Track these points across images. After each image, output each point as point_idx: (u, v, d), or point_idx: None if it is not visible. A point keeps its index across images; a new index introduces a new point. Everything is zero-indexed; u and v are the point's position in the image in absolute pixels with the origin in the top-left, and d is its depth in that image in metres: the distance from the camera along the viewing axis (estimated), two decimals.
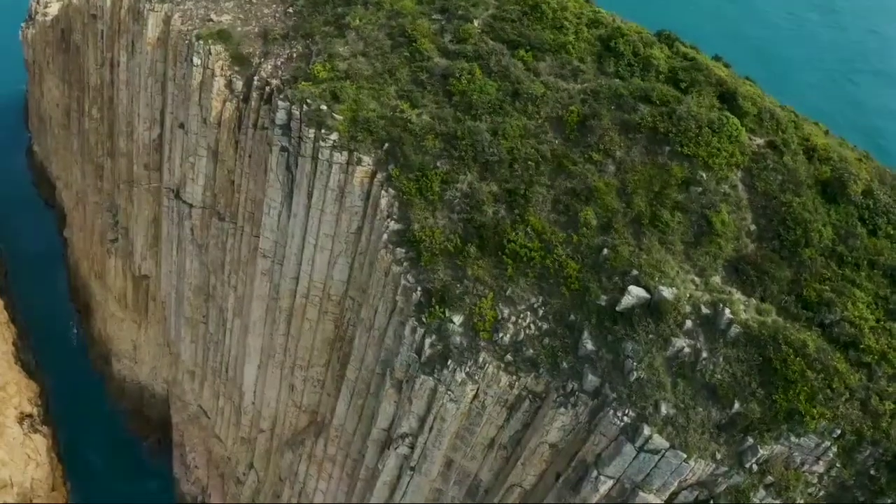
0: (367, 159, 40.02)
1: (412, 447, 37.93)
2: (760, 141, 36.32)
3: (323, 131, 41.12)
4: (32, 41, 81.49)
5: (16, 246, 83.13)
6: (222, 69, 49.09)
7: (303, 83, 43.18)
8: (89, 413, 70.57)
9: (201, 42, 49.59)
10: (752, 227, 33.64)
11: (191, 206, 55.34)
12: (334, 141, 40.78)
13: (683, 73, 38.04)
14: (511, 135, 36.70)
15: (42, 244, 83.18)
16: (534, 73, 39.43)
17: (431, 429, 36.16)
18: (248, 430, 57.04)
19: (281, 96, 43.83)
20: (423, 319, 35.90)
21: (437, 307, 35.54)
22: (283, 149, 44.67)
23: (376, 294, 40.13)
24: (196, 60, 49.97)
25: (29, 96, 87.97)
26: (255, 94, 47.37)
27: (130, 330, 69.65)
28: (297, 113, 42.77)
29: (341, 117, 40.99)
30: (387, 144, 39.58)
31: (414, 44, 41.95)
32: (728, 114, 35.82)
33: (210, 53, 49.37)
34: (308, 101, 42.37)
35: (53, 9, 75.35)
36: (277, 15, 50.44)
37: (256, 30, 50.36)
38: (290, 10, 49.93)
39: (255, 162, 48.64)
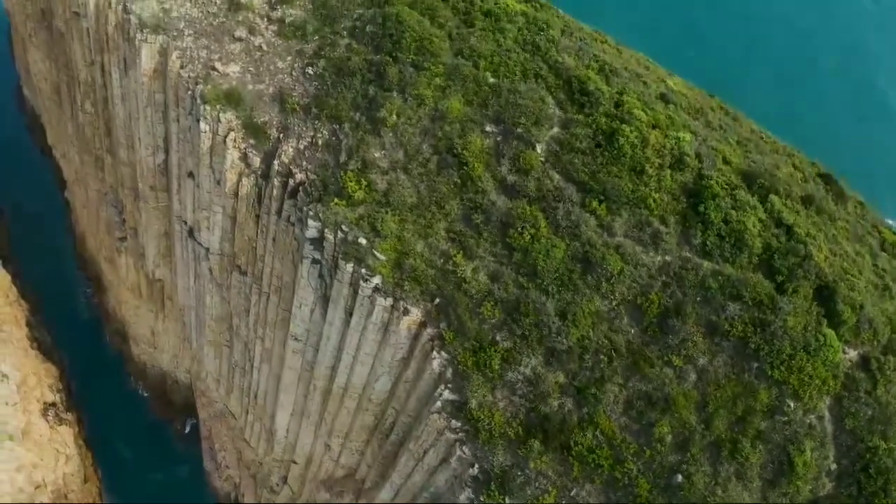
0: (415, 311, 37.22)
1: None
2: (853, 354, 33.67)
3: (364, 271, 37.86)
4: (9, 4, 71.86)
5: (15, 203, 79.30)
6: (235, 142, 44.31)
7: (335, 201, 39.13)
8: (112, 395, 71.23)
9: (208, 107, 44.25)
10: (833, 467, 32.22)
11: (207, 249, 52.23)
12: (377, 284, 37.67)
13: (780, 257, 34.24)
14: (582, 322, 33.74)
15: (42, 201, 79.58)
16: (608, 231, 35.28)
17: None
18: (281, 455, 57.84)
19: (311, 213, 39.82)
20: (482, 498, 35.26)
21: (496, 491, 34.83)
22: (315, 261, 41.40)
23: (427, 439, 39.06)
24: (203, 126, 45.20)
25: (13, 44, 78.79)
26: (276, 181, 43.28)
27: (147, 317, 68.44)
28: (332, 238, 39.23)
29: (384, 257, 37.59)
30: (438, 300, 36.58)
31: (465, 167, 37.18)
32: (825, 331, 32.73)
33: (219, 121, 44.23)
34: (343, 227, 38.62)
35: None
36: (294, 73, 44.56)
37: (271, 90, 44.85)
38: (310, 70, 44.00)
39: (280, 246, 45.36)
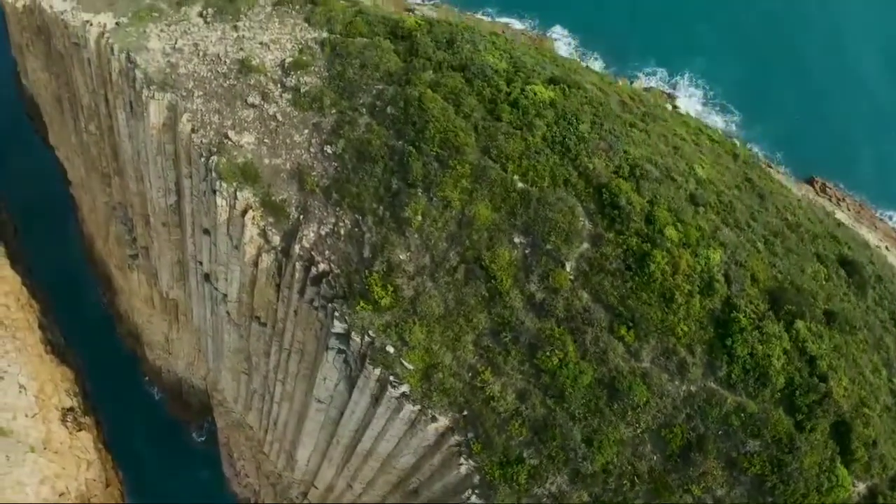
0: (442, 419, 37.99)
1: None
2: (862, 487, 34.79)
3: (391, 378, 38.34)
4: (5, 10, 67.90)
5: (18, 196, 78.12)
6: (254, 220, 43.75)
7: (362, 304, 39.03)
8: (127, 395, 72.41)
9: (224, 183, 43.48)
10: None
11: (224, 295, 52.25)
12: (405, 392, 38.24)
13: (801, 394, 34.85)
14: (607, 450, 34.65)
15: (47, 195, 78.03)
16: (635, 357, 35.64)
17: None
18: (301, 477, 59.71)
19: (337, 313, 39.78)
20: None
21: None
22: (340, 351, 41.73)
23: None
24: (220, 201, 44.75)
25: (11, 35, 74.98)
26: (297, 265, 42.87)
27: (161, 325, 68.96)
28: (358, 340, 39.44)
29: (412, 367, 37.99)
30: (466, 412, 37.26)
31: (493, 280, 36.96)
32: (839, 470, 33.73)
33: (236, 197, 43.56)
34: (370, 333, 38.78)
35: None
36: (312, 150, 43.51)
37: (288, 166, 43.96)
38: (329, 148, 42.92)
39: (302, 319, 45.54)
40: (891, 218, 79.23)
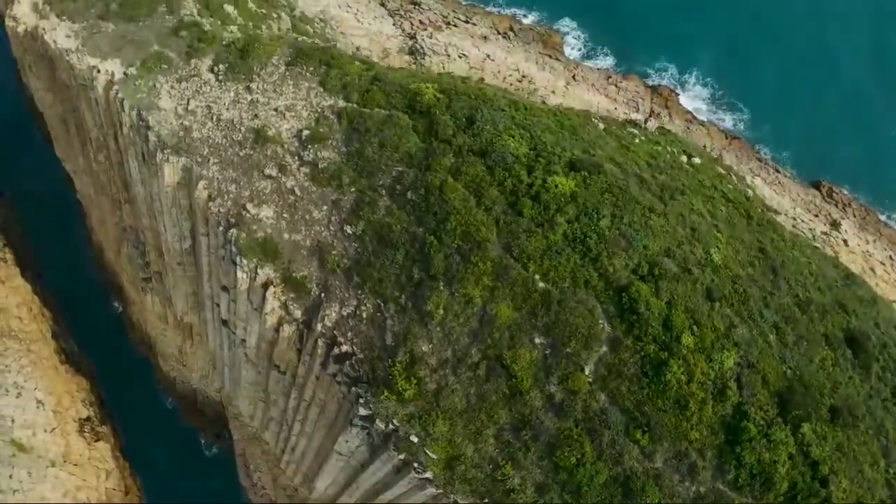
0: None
1: None
2: None
3: (415, 465, 39.70)
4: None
5: (24, 197, 77.88)
6: (275, 294, 44.29)
7: (386, 394, 40.05)
8: (142, 401, 73.89)
9: (245, 259, 43.91)
10: None
11: (243, 341, 53.08)
12: (429, 478, 39.68)
13: (803, 499, 36.96)
14: None
15: (51, 193, 77.45)
16: (648, 458, 37.20)
17: None
18: (320, 498, 61.76)
19: (361, 400, 40.83)
20: None
21: None
22: (364, 427, 42.93)
23: None
24: (241, 274, 45.32)
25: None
26: (320, 343, 43.70)
27: (175, 338, 69.93)
28: (382, 426, 40.61)
29: (435, 456, 39.32)
30: (487, 500, 38.78)
31: (514, 379, 38.03)
32: None
33: (257, 273, 44.05)
34: (394, 422, 39.96)
35: (22, 11, 60.08)
36: (332, 228, 43.72)
37: (308, 243, 44.28)
38: (349, 228, 43.15)
39: (323, 385, 46.41)
40: None
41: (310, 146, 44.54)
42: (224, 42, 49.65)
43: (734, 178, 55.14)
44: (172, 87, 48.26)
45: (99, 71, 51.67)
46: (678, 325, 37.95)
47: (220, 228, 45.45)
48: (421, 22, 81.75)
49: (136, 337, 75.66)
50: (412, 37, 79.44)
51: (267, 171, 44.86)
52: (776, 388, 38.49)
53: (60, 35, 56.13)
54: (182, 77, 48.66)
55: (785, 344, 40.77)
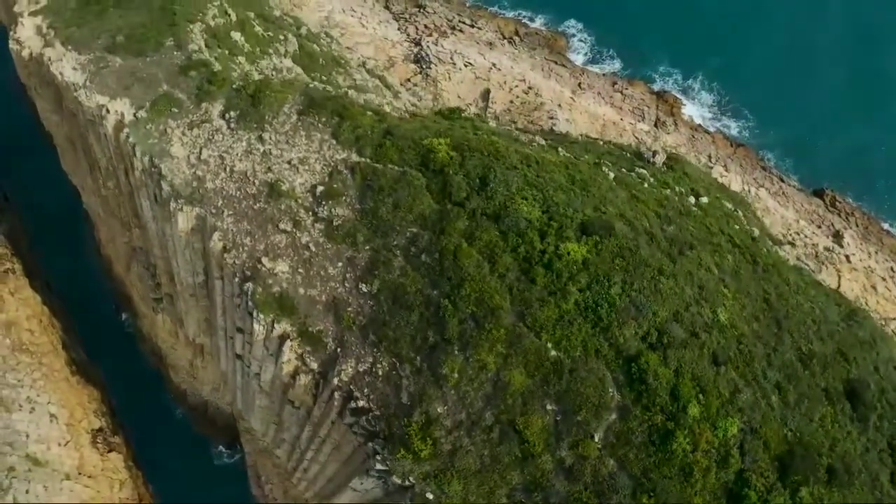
0: None
1: None
2: None
3: None
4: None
5: (29, 203, 78.04)
6: (292, 348, 45.18)
7: (402, 452, 41.25)
8: (153, 409, 75.17)
9: (262, 314, 44.70)
10: None
11: (258, 374, 54.07)
12: None
13: None
14: None
15: (56, 199, 77.31)
16: None
17: None
18: None
19: (378, 457, 42.02)
20: None
21: None
22: (380, 477, 44.22)
23: None
24: (257, 326, 46.05)
25: None
26: (337, 395, 44.65)
27: (186, 352, 70.87)
28: (399, 481, 41.89)
29: None
30: None
31: (526, 443, 39.26)
32: None
33: (274, 327, 44.89)
34: (410, 479, 41.26)
35: (26, 34, 59.56)
36: (348, 285, 44.46)
37: (324, 298, 45.09)
38: (364, 286, 43.86)
39: (339, 431, 47.47)
40: None
41: (324, 202, 44.96)
42: (234, 86, 49.58)
43: (740, 213, 55.58)
44: (184, 134, 48.39)
45: (108, 111, 51.69)
46: (685, 394, 39.18)
47: (236, 279, 46.10)
48: (426, 26, 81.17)
49: (146, 347, 76.64)
50: (417, 43, 78.96)
51: (282, 226, 45.36)
52: (777, 452, 39.99)
53: (67, 67, 55.99)
54: (193, 122, 48.75)
55: (787, 404, 42.03)
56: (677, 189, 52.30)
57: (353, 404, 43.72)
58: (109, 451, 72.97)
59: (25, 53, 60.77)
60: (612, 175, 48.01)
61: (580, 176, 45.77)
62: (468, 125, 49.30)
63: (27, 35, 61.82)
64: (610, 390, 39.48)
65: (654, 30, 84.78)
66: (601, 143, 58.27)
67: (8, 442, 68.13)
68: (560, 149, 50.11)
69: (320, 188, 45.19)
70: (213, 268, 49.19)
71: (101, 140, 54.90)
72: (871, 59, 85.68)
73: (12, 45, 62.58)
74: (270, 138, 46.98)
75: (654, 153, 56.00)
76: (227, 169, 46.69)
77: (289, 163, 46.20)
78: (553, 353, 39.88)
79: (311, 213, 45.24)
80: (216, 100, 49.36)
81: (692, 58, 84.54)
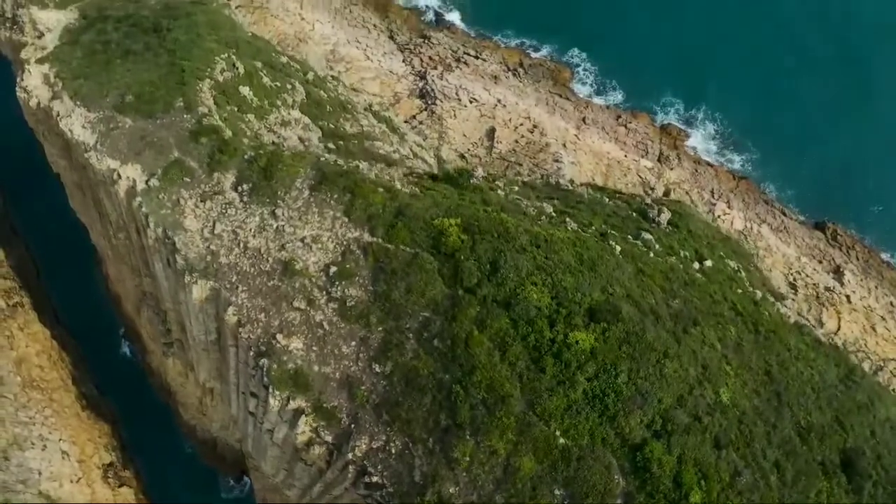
0: None
1: None
2: None
3: None
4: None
5: (37, 234, 78.53)
6: (307, 422, 46.31)
7: None
8: (163, 442, 76.35)
9: (277, 391, 45.74)
10: None
11: (271, 431, 55.14)
12: None
13: None
14: None
15: (63, 229, 77.65)
16: None
17: None
18: None
19: None
20: None
21: None
22: None
23: None
24: (272, 401, 46.99)
25: None
26: (350, 468, 45.78)
27: (195, 391, 71.87)
28: None
29: None
30: None
31: None
32: None
33: (288, 403, 46.00)
34: None
35: (33, 83, 59.84)
36: (361, 363, 45.48)
37: (338, 375, 46.14)
38: (377, 367, 44.92)
39: (351, 496, 48.70)
40: None
41: (337, 283, 45.79)
42: (246, 156, 50.15)
43: (743, 273, 56.57)
44: (197, 206, 49.05)
45: (119, 175, 52.25)
46: (687, 482, 40.48)
47: (251, 353, 47.08)
48: (430, 58, 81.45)
49: (155, 382, 77.71)
50: (422, 76, 79.30)
51: (296, 304, 46.21)
52: None
53: (76, 125, 56.43)
54: (206, 194, 49.39)
55: (784, 483, 43.38)
56: (682, 254, 53.22)
57: (366, 479, 44.90)
58: (120, 485, 74.48)
59: (33, 103, 61.19)
60: (618, 248, 48.89)
61: (588, 254, 46.65)
62: (477, 198, 49.96)
63: (34, 84, 62.14)
64: (616, 477, 40.76)
65: (657, 58, 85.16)
66: (607, 199, 58.95)
67: (21, 480, 69.54)
68: (568, 219, 50.85)
69: (333, 268, 46.03)
70: (227, 335, 50.10)
71: (113, 198, 55.51)
72: (876, 86, 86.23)
73: (20, 94, 62.96)
74: (283, 214, 47.67)
75: (659, 211, 56.79)
76: (241, 244, 47.45)
77: (302, 240, 46.95)
78: (561, 440, 41.08)
79: (324, 292, 46.09)
80: (228, 170, 49.97)
81: (694, 87, 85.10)
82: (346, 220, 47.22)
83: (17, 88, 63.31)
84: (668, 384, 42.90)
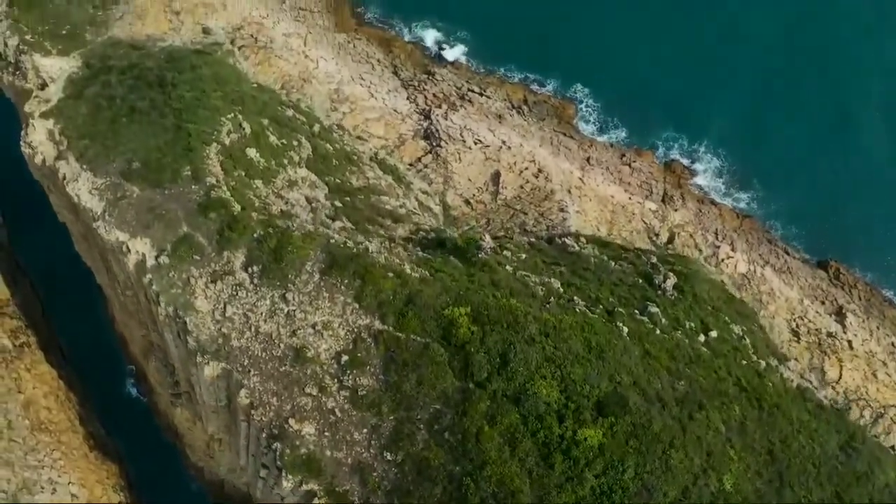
0: None
1: None
2: None
3: None
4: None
5: (41, 271, 79.17)
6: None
7: None
8: (170, 483, 77.21)
9: (290, 475, 46.50)
10: None
11: (282, 497, 55.87)
12: None
13: None
14: None
15: (70, 271, 77.72)
16: None
17: None
18: None
19: None
20: None
21: None
22: None
23: None
24: (286, 483, 47.68)
25: None
26: None
27: (202, 435, 72.52)
28: None
29: None
30: None
31: None
32: None
33: (301, 486, 46.76)
34: None
35: (38, 139, 59.76)
36: (372, 450, 46.30)
37: (349, 461, 46.96)
38: (389, 455, 45.72)
39: None
40: None
41: (349, 371, 46.34)
42: (255, 235, 50.38)
43: (747, 340, 57.16)
44: (207, 286, 49.38)
45: (128, 248, 52.48)
46: None
47: (264, 434, 47.71)
48: (435, 95, 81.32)
49: (161, 422, 78.41)
50: (427, 116, 79.20)
51: (307, 390, 46.79)
52: None
53: (83, 190, 56.53)
54: (216, 273, 49.68)
55: None
56: (688, 325, 53.79)
57: None
58: None
59: (38, 160, 61.23)
60: (626, 330, 49.45)
61: (596, 339, 47.23)
62: (486, 279, 50.27)
63: (39, 139, 62.09)
64: None
65: (660, 93, 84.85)
66: (613, 263, 59.37)
67: None
68: (576, 297, 51.33)
69: (345, 357, 46.55)
70: (238, 412, 50.70)
71: (121, 264, 55.75)
72: (885, 124, 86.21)
73: (24, 149, 62.98)
74: (294, 298, 48.05)
75: (665, 277, 57.27)
76: (253, 328, 47.89)
77: (313, 327, 47.38)
78: None
79: (336, 379, 46.64)
80: (238, 248, 50.23)
81: (697, 122, 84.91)
82: (357, 306, 47.64)
83: (21, 143, 63.32)
84: (673, 476, 43.70)
